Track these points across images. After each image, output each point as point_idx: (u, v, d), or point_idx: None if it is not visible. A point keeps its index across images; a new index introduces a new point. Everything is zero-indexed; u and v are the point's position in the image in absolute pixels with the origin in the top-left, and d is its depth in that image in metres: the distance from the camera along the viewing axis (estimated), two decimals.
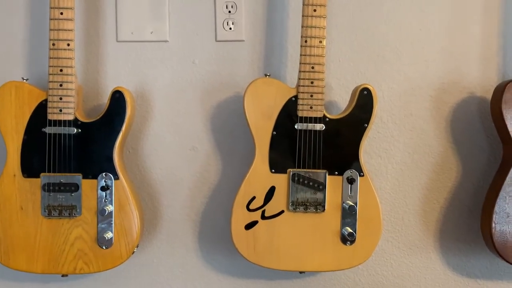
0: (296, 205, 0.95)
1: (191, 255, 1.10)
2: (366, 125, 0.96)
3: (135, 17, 1.07)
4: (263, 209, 0.95)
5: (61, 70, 0.93)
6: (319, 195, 0.95)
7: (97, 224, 0.94)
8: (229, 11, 1.08)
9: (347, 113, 0.96)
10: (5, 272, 1.07)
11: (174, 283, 1.10)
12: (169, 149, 1.09)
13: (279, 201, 0.95)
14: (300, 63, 0.95)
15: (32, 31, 1.07)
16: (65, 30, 0.92)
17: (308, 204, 0.95)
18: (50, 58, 0.93)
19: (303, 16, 0.94)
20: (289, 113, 0.94)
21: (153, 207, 1.09)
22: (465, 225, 1.11)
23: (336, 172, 0.95)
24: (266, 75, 0.97)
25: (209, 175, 1.09)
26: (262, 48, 1.09)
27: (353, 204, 0.95)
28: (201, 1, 1.08)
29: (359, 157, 0.96)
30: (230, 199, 1.08)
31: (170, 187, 1.09)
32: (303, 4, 0.94)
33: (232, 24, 1.08)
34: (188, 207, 1.09)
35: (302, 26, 0.94)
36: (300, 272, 0.99)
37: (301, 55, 0.94)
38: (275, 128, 0.94)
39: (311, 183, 0.95)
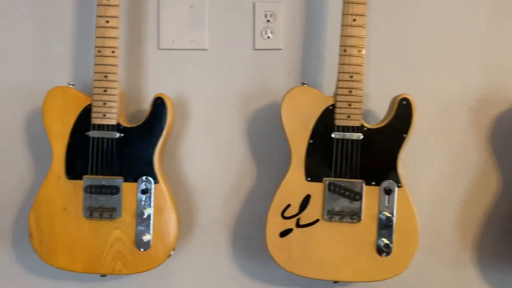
0: (332, 215, 0.95)
1: (224, 261, 1.11)
2: (405, 135, 0.95)
3: (176, 26, 1.10)
4: (298, 217, 0.95)
5: (105, 76, 0.96)
6: (355, 205, 0.95)
7: (136, 227, 0.97)
8: (268, 20, 1.09)
9: (385, 122, 0.95)
10: (46, 270, 1.11)
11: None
12: (206, 155, 1.11)
13: (314, 210, 0.95)
14: (338, 72, 0.95)
15: (77, 38, 1.11)
16: (110, 38, 0.96)
17: (344, 213, 0.95)
18: (95, 64, 0.96)
19: (342, 25, 0.94)
20: (326, 121, 0.94)
21: (188, 212, 1.11)
22: (505, 241, 1.08)
23: (373, 182, 0.95)
24: (303, 83, 0.97)
25: (244, 181, 1.11)
26: (299, 57, 1.10)
27: (390, 215, 0.94)
28: (240, 10, 1.10)
29: (397, 168, 0.95)
30: (265, 206, 1.08)
31: (205, 192, 1.11)
32: (343, 14, 0.94)
33: (271, 33, 1.09)
34: (222, 213, 1.11)
35: (342, 36, 0.94)
36: (334, 282, 0.99)
37: (339, 64, 0.94)
38: (311, 137, 0.95)
39: (347, 193, 0.94)
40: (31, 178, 1.11)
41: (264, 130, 1.10)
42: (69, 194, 0.97)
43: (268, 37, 1.09)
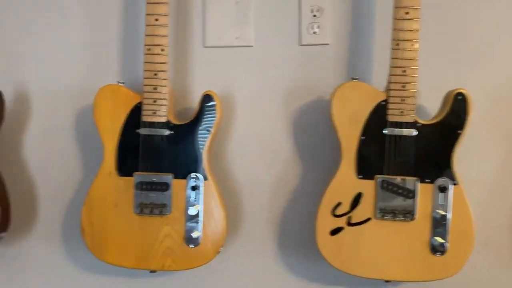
0: (384, 213, 0.92)
1: (270, 258, 1.10)
2: (460, 131, 0.92)
3: (221, 23, 1.10)
4: (349, 215, 0.93)
5: (155, 74, 0.97)
6: (408, 203, 0.92)
7: (186, 223, 0.97)
8: (314, 15, 1.07)
9: (440, 118, 0.92)
10: (95, 266, 1.13)
11: (253, 286, 1.11)
12: (251, 152, 1.10)
13: (365, 208, 0.93)
14: (390, 67, 0.92)
15: (124, 37, 1.12)
16: (160, 36, 0.96)
17: (397, 212, 0.92)
18: (145, 62, 0.97)
19: (394, 18, 0.91)
20: (378, 117, 0.92)
21: (234, 209, 1.11)
22: None
23: (428, 180, 0.92)
24: (353, 78, 0.95)
25: (289, 178, 1.09)
26: (346, 52, 1.08)
27: (444, 214, 0.91)
28: (285, 6, 1.09)
29: (452, 165, 0.92)
30: (310, 203, 1.09)
31: (250, 190, 1.10)
32: (395, 7, 0.91)
33: (317, 28, 1.07)
34: (268, 210, 1.10)
35: (394, 29, 0.91)
36: (386, 281, 0.96)
37: (392, 58, 0.92)
38: (363, 133, 0.93)
39: (400, 191, 0.92)
40: (81, 174, 1.13)
41: (310, 126, 1.09)
42: (120, 190, 0.98)
43: (315, 32, 1.07)
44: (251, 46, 1.09)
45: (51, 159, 1.14)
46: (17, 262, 1.15)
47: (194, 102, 1.12)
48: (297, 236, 1.09)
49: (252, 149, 1.10)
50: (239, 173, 1.10)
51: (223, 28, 1.10)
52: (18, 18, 1.15)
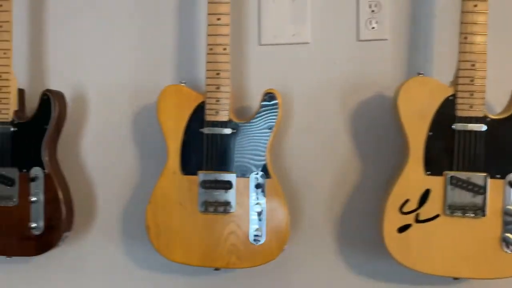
0: (453, 209, 0.91)
1: (331, 256, 1.09)
2: None
3: (277, 21, 1.09)
4: (417, 212, 0.92)
5: (217, 74, 0.98)
6: (478, 199, 0.90)
7: (250, 221, 0.98)
8: (372, 10, 1.06)
9: (510, 113, 0.90)
10: (152, 263, 1.14)
11: (315, 284, 1.10)
12: (308, 150, 1.10)
13: (434, 205, 0.92)
14: (458, 61, 0.90)
15: (181, 37, 1.13)
16: (222, 35, 0.97)
17: (467, 208, 0.91)
18: (208, 62, 0.98)
19: (462, 12, 0.89)
20: (446, 112, 0.91)
21: (293, 208, 1.09)
22: None
23: (498, 175, 0.90)
24: (419, 73, 0.94)
25: (349, 176, 1.09)
26: (406, 47, 1.06)
27: None
28: (343, 2, 1.08)
29: None
30: (372, 201, 1.08)
31: (309, 188, 1.10)
32: (463, 0, 0.90)
33: (376, 23, 1.06)
34: (327, 208, 1.09)
35: (462, 23, 0.89)
36: (454, 279, 0.95)
37: (460, 52, 0.90)
38: (431, 129, 0.91)
39: (470, 187, 0.90)
40: (138, 174, 1.15)
41: (369, 123, 1.08)
42: (184, 189, 1.00)
43: (373, 28, 1.06)
44: (308, 43, 1.09)
45: (108, 159, 1.16)
46: (78, 260, 1.18)
47: (250, 101, 1.12)
48: (357, 234, 1.08)
49: (310, 147, 1.10)
50: (297, 171, 1.10)
51: (279, 25, 1.09)
52: (75, 20, 1.17)
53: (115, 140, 1.16)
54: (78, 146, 1.18)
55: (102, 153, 1.17)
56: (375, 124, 1.07)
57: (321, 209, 1.10)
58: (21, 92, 1.10)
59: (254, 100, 1.12)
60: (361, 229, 1.08)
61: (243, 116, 1.04)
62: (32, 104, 1.15)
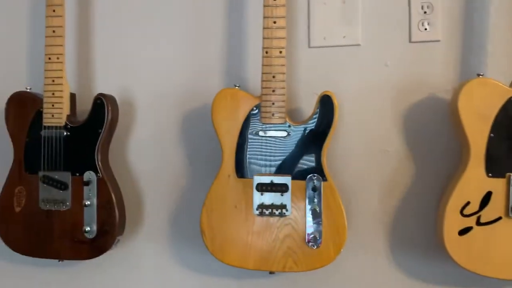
0: None
1: (383, 260, 1.08)
2: None
3: (327, 23, 1.09)
4: (478, 214, 0.91)
5: (273, 77, 0.98)
6: None
7: (306, 224, 0.97)
8: (425, 12, 1.06)
9: None
10: (210, 267, 1.14)
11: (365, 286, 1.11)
12: (359, 152, 1.09)
13: (496, 207, 0.90)
14: None
15: (229, 40, 1.13)
16: (278, 38, 0.97)
17: None
18: (263, 65, 0.98)
19: None
20: (508, 114, 0.90)
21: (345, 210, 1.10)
22: None
23: None
24: (478, 75, 0.93)
25: (401, 178, 1.08)
26: (458, 48, 1.06)
27: None
28: (394, 3, 1.08)
29: None
30: (424, 203, 1.07)
31: (360, 190, 1.09)
32: None
33: (428, 24, 1.06)
34: (379, 210, 1.09)
35: None
36: None
37: None
38: (492, 130, 0.90)
39: None
40: (186, 177, 1.15)
41: (421, 125, 1.07)
42: (239, 192, 1.00)
43: (425, 29, 1.06)
44: (359, 45, 1.09)
45: (156, 162, 1.17)
46: (128, 263, 1.18)
47: (299, 103, 1.12)
48: (410, 237, 1.07)
49: (360, 149, 1.10)
50: (348, 173, 1.09)
51: (329, 27, 1.09)
52: (122, 24, 1.18)
53: (163, 144, 1.17)
54: (126, 150, 1.19)
55: (150, 157, 1.18)
56: (428, 126, 1.07)
57: (372, 212, 1.09)
58: (72, 97, 1.11)
59: (303, 103, 1.11)
60: (413, 232, 1.07)
61: (293, 118, 1.04)
62: (80, 108, 1.17)
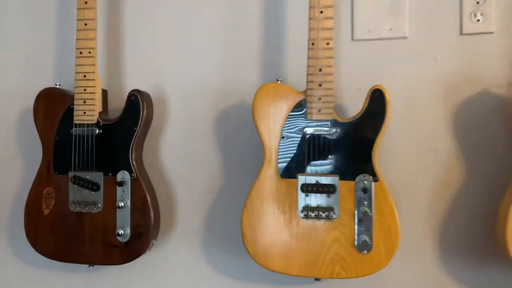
0: None
1: (432, 265, 1.01)
2: None
3: (372, 15, 1.03)
4: None
5: (320, 70, 0.92)
6: None
7: (356, 227, 0.91)
8: (477, 2, 0.99)
9: None
10: (247, 273, 1.08)
11: None
12: (407, 151, 1.03)
13: None
14: None
15: (269, 34, 1.08)
16: (325, 29, 0.91)
17: None
18: (309, 58, 0.92)
19: None
20: None
21: None
22: None
23: None
24: None
25: (451, 178, 1.01)
26: None
27: None
28: None
29: None
30: (476, 203, 1.01)
31: (407, 191, 1.02)
32: None
33: (481, 15, 0.99)
34: (427, 212, 1.02)
35: None
36: None
37: None
38: None
39: None
40: (221, 177, 1.09)
41: (474, 122, 1.00)
42: (283, 193, 0.93)
43: (478, 20, 1.00)
44: (406, 37, 1.03)
45: (189, 162, 1.11)
46: (161, 268, 1.12)
47: (342, 99, 1.06)
48: (460, 240, 1.00)
49: (408, 147, 1.03)
50: (393, 174, 1.02)
51: (374, 20, 1.03)
52: (153, 17, 1.13)
53: (196, 144, 1.12)
54: (158, 149, 1.13)
55: (183, 156, 1.12)
56: (480, 124, 1.00)
57: (420, 214, 1.02)
58: (104, 93, 1.06)
59: (346, 99, 1.05)
60: (463, 235, 1.00)
61: (341, 114, 0.98)
62: (110, 106, 1.12)
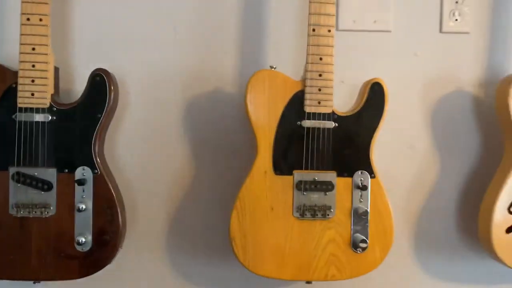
0: None
1: (406, 258, 1.02)
2: None
3: (358, 6, 1.00)
4: None
5: (320, 59, 0.85)
6: None
7: (352, 226, 0.87)
8: (456, 1, 1.02)
9: None
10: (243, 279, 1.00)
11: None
12: (384, 148, 0.99)
13: None
14: None
15: (247, 15, 0.99)
16: (327, 14, 0.84)
17: None
18: (310, 45, 0.85)
19: None
20: None
21: None
22: None
23: None
24: None
25: (427, 175, 1.03)
26: (486, 41, 1.04)
27: None
28: None
29: None
30: (452, 202, 1.03)
31: (384, 186, 1.01)
32: None
33: (459, 15, 1.02)
34: (403, 208, 1.02)
35: None
36: None
37: None
38: None
39: None
40: (190, 176, 0.97)
41: (449, 118, 1.02)
42: (277, 191, 0.85)
43: (456, 20, 1.02)
44: (390, 31, 1.01)
45: (153, 158, 0.97)
46: (122, 277, 0.97)
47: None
48: (435, 235, 1.03)
49: (386, 144, 1.00)
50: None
51: (359, 11, 1.00)
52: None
53: (161, 136, 0.98)
54: (115, 142, 0.97)
55: (144, 151, 0.98)
56: (455, 120, 1.02)
57: (396, 210, 0.98)
58: (56, 71, 0.86)
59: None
60: (438, 232, 1.02)
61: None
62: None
